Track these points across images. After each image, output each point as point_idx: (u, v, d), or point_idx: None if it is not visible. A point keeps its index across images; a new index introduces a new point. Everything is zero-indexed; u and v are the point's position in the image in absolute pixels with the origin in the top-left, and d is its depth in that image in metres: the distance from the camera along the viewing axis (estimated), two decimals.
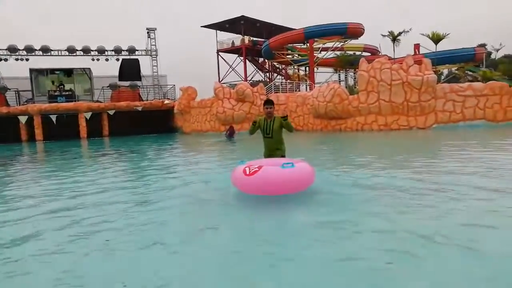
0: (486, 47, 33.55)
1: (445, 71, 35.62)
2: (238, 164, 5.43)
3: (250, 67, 44.95)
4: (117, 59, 33.12)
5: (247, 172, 4.89)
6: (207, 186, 6.52)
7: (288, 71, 44.23)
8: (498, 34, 63.68)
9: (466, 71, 30.14)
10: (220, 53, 42.70)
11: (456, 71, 32.73)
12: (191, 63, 74.73)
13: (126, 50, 33.02)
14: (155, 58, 33.60)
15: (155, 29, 33.58)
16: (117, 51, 32.86)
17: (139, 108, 29.04)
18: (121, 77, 32.38)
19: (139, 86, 31.85)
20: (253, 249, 3.37)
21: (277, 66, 44.53)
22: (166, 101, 29.97)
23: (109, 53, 32.95)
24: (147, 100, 31.18)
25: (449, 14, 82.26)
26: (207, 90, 28.10)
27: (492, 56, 35.06)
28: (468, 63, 30.81)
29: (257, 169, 4.85)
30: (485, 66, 28.83)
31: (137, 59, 33.03)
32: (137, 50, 33.48)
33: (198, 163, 10.44)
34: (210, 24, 39.96)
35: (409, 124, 19.34)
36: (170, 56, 55.91)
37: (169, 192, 6.13)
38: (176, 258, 3.24)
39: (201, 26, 41.15)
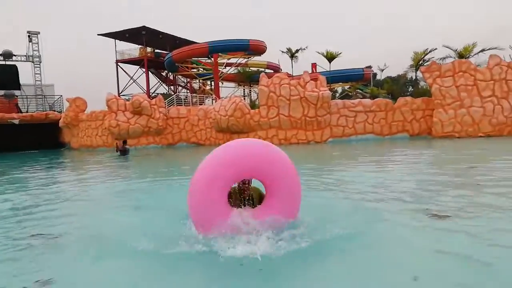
0: (372, 68, 37.02)
1: (339, 89, 38.33)
2: None
3: (154, 80, 42.95)
4: None
5: None
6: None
7: (193, 85, 43.24)
8: (383, 56, 71.61)
9: (356, 89, 32.70)
10: (119, 63, 39.87)
11: (348, 89, 35.40)
12: (86, 74, 69.12)
13: (0, 55, 28.47)
14: (38, 65, 29.66)
15: (38, 32, 29.75)
16: None
17: (16, 121, 25.01)
18: None
19: (17, 96, 27.62)
20: None
21: (182, 79, 43.28)
22: (51, 115, 26.33)
23: None
24: (27, 112, 27.14)
25: (342, 36, 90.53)
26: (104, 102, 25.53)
27: (378, 77, 38.84)
28: (358, 82, 33.58)
29: None
30: (372, 85, 31.62)
31: (14, 65, 28.71)
32: (15, 55, 29.14)
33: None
34: (108, 33, 37.06)
35: (307, 138, 19.80)
36: (62, 64, 50.62)
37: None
38: None
39: (99, 34, 38.01)
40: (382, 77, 38.09)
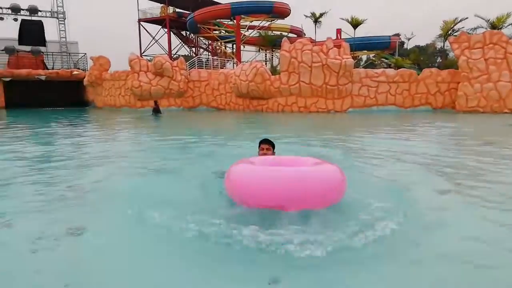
0: (400, 36, 35.69)
1: (364, 57, 37.32)
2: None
3: (176, 41, 42.78)
4: (15, 19, 28.71)
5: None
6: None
7: (215, 47, 42.88)
8: (410, 24, 68.56)
9: (381, 58, 31.78)
10: (142, 23, 39.74)
11: (373, 58, 34.43)
12: (109, 32, 69.13)
13: (26, 10, 28.71)
14: (62, 22, 29.87)
15: None
16: (15, 9, 28.37)
17: (42, 77, 25.68)
18: (21, 40, 28.28)
19: (43, 53, 28.17)
20: None
21: (204, 41, 42.91)
22: (75, 72, 26.90)
23: (5, 11, 28.35)
24: (52, 69, 27.76)
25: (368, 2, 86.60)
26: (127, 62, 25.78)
27: (405, 46, 37.50)
28: (384, 50, 32.53)
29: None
30: (398, 54, 30.65)
31: (40, 21, 29.02)
32: (40, 11, 29.35)
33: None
34: None
35: (327, 107, 19.70)
36: (85, 21, 50.72)
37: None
38: None
39: None
40: (409, 47, 36.78)
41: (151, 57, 31.15)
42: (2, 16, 28.43)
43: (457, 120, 14.89)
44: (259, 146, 4.26)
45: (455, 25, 26.46)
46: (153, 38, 40.58)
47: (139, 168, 5.89)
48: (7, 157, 6.87)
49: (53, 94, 26.39)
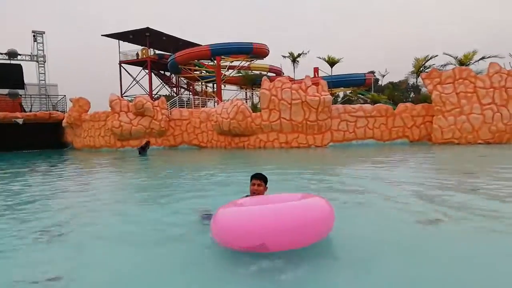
0: (374, 73, 37.24)
1: (341, 94, 38.53)
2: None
3: (157, 81, 43.24)
4: None
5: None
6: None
7: (195, 87, 43.50)
8: (383, 61, 71.80)
9: (358, 94, 32.86)
10: (123, 64, 40.18)
11: (350, 94, 35.57)
12: (90, 74, 69.52)
13: (5, 54, 28.68)
14: (42, 65, 29.84)
15: (43, 32, 29.97)
16: None
17: (20, 121, 25.20)
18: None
19: (21, 95, 27.86)
20: None
21: (185, 81, 43.57)
22: (54, 114, 26.49)
23: None
24: (30, 111, 27.36)
25: (342, 39, 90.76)
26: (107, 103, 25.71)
27: (379, 82, 39.05)
28: (359, 87, 33.75)
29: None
30: (374, 90, 31.80)
31: (19, 64, 28.94)
32: (20, 55, 29.37)
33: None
34: (112, 34, 37.40)
35: (308, 142, 19.96)
36: (64, 64, 50.96)
37: None
38: None
39: (102, 35, 38.40)
40: (384, 83, 38.32)
41: (132, 98, 31.25)
42: None
43: (435, 151, 15.29)
44: (250, 181, 4.10)
45: (426, 62, 27.89)
46: (134, 79, 40.92)
47: (122, 209, 5.71)
48: None
49: (30, 136, 25.80)
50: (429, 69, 23.14)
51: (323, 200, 3.33)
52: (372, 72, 37.28)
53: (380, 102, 23.43)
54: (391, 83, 37.84)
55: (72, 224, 4.74)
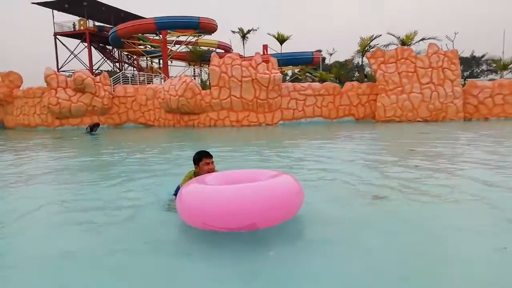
0: (321, 52, 37.87)
1: (289, 72, 38.87)
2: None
3: (97, 56, 40.50)
4: None
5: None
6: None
7: (140, 63, 41.44)
8: (332, 39, 73.46)
9: (306, 73, 33.33)
10: (58, 36, 36.97)
11: (298, 73, 36.00)
12: (22, 47, 63.43)
13: None
14: None
15: None
16: None
17: None
18: None
19: None
20: None
21: (129, 56, 41.30)
22: None
23: None
24: None
25: (292, 18, 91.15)
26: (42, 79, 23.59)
27: (326, 61, 39.87)
28: (308, 65, 34.21)
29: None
30: (321, 69, 32.42)
31: None
32: None
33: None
34: (45, 2, 34.05)
35: (259, 121, 19.97)
36: None
37: None
38: None
39: (33, 3, 34.79)
40: (331, 62, 39.20)
41: (70, 73, 29.01)
42: None
43: (378, 128, 16.02)
44: (199, 160, 3.86)
45: (371, 41, 28.82)
46: (72, 52, 37.97)
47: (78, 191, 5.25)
48: None
49: None
50: (374, 49, 23.96)
51: (292, 177, 3.35)
52: (319, 51, 37.91)
53: (328, 81, 23.95)
54: (338, 62, 38.78)
55: (10, 212, 4.26)
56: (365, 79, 24.17)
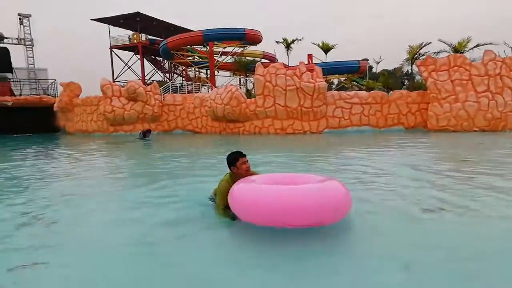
0: (368, 61, 37.08)
1: (335, 81, 38.39)
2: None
3: (149, 67, 42.64)
4: None
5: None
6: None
7: (188, 73, 42.98)
8: (379, 49, 71.71)
9: (352, 82, 32.76)
10: (114, 49, 39.42)
11: (344, 81, 35.46)
12: (81, 59, 68.24)
13: None
14: (30, 49, 29.13)
15: (30, 15, 29.09)
16: None
17: (9, 103, 24.67)
18: None
19: (10, 79, 27.22)
20: None
21: (178, 67, 43.01)
22: (45, 98, 26.06)
23: None
24: (20, 96, 26.79)
25: (337, 29, 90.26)
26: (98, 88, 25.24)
27: (373, 70, 38.97)
28: (354, 74, 33.62)
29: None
30: (368, 77, 31.72)
31: (5, 47, 28.12)
32: (6, 38, 28.55)
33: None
34: (102, 18, 36.55)
35: (303, 129, 19.87)
36: (55, 48, 49.89)
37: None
38: None
39: (92, 19, 37.44)
40: (378, 70, 38.22)
41: (124, 83, 30.75)
42: None
43: (431, 138, 15.31)
44: (236, 160, 3.91)
45: (420, 49, 27.78)
46: (126, 64, 40.28)
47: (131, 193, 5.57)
48: None
49: (21, 120, 25.38)
50: (424, 57, 23.06)
51: (340, 183, 3.53)
52: (366, 60, 37.13)
53: (375, 89, 23.37)
54: (385, 70, 37.75)
55: (65, 208, 4.59)
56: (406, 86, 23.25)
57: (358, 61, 34.11)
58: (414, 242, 3.17)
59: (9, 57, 28.04)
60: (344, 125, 20.12)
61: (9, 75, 27.42)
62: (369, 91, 21.72)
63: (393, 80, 30.18)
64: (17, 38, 29.09)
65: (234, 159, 3.92)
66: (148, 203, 4.61)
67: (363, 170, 6.87)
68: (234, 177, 3.85)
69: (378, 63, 37.92)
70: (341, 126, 20.08)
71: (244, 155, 3.97)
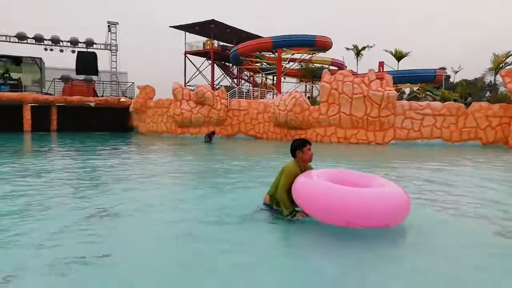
0: (445, 70, 34.62)
1: (407, 90, 36.39)
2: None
3: (219, 72, 44.32)
4: (73, 51, 31.10)
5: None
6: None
7: (255, 79, 43.80)
8: (457, 57, 66.68)
9: (426, 91, 30.78)
10: (187, 55, 41.65)
11: (417, 91, 33.45)
12: (157, 63, 73.08)
13: (83, 42, 31.09)
14: (114, 54, 31.88)
15: (117, 23, 31.94)
16: (73, 42, 30.79)
17: (92, 104, 27.27)
18: (78, 70, 30.41)
19: (95, 81, 30.07)
20: None
21: (246, 73, 44.07)
22: (122, 99, 28.39)
23: (64, 43, 30.82)
24: (102, 96, 29.45)
25: (411, 33, 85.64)
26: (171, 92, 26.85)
27: (451, 79, 36.26)
28: (428, 83, 31.54)
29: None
30: (444, 88, 29.57)
31: (94, 52, 31.17)
32: (95, 44, 31.64)
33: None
34: (179, 25, 38.92)
35: (368, 139, 19.09)
36: (134, 54, 54.13)
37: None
38: None
39: (170, 27, 40.02)
40: (456, 80, 35.48)
41: (194, 87, 32.28)
42: (62, 49, 30.86)
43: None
44: (303, 146, 4.11)
45: (506, 58, 25.25)
46: (198, 69, 42.24)
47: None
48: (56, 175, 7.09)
49: (101, 119, 27.89)
50: (510, 66, 20.90)
51: (401, 189, 3.80)
52: (443, 68, 34.67)
53: (451, 100, 21.69)
54: (465, 80, 34.91)
55: (131, 204, 4.89)
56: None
57: (435, 69, 31.94)
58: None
59: (96, 61, 31.01)
60: (412, 137, 18.95)
61: (94, 78, 30.28)
62: (443, 102, 20.22)
63: (472, 91, 27.75)
64: (104, 44, 32.04)
65: (302, 143, 4.13)
66: (202, 204, 4.77)
67: (428, 189, 6.34)
68: (298, 163, 4.10)
69: (456, 72, 35.23)
70: (409, 138, 18.94)
71: (310, 143, 4.16)
